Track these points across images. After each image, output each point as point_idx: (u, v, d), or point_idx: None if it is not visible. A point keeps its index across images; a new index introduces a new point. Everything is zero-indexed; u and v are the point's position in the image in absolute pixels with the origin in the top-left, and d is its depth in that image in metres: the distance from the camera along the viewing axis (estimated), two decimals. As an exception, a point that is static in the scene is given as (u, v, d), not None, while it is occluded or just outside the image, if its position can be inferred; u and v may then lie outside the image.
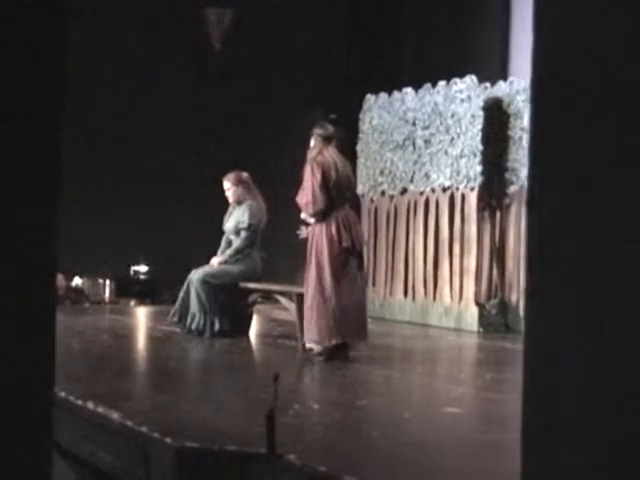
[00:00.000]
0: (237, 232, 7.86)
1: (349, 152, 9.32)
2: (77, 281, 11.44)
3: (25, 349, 1.73)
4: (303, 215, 6.53)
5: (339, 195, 6.46)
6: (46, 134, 1.76)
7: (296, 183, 6.66)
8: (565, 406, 1.21)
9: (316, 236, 6.41)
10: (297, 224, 6.81)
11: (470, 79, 9.20)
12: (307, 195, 6.36)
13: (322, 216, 6.37)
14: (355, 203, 6.87)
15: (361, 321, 6.42)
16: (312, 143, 6.58)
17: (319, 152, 6.49)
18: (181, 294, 7.81)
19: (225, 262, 7.82)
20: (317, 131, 6.60)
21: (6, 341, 1.72)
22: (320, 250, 6.35)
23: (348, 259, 6.38)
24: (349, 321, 6.31)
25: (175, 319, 7.71)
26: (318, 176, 6.34)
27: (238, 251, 7.81)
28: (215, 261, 7.87)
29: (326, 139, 6.54)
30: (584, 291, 1.19)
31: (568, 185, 1.21)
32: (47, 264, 1.77)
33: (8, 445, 1.71)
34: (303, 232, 6.59)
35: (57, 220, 1.76)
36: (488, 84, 9.22)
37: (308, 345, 6.42)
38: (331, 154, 6.49)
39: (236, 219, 7.88)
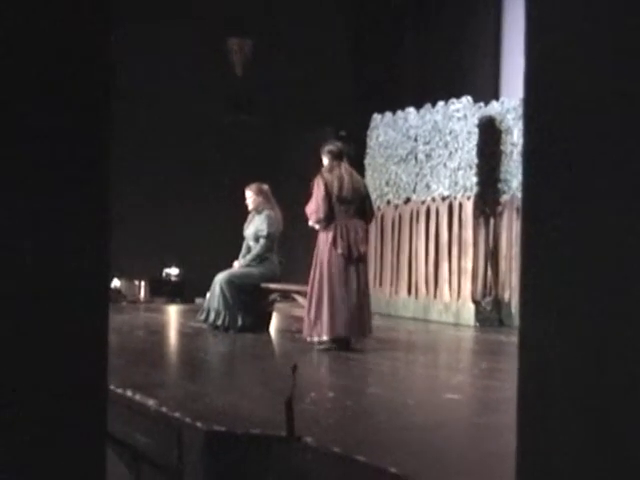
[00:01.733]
0: (256, 239, 7.87)
1: (358, 166, 9.35)
2: (115, 282, 11.47)
3: (81, 346, 1.75)
4: (310, 222, 6.57)
5: (343, 206, 6.46)
6: (99, 145, 1.76)
7: (308, 194, 6.68)
8: (556, 391, 1.22)
9: (320, 242, 6.49)
10: (310, 231, 6.84)
11: (466, 99, 9.20)
12: (312, 206, 6.44)
13: (325, 224, 6.41)
14: (363, 211, 6.82)
15: (361, 319, 6.43)
16: (325, 160, 6.60)
17: (330, 168, 6.52)
18: (208, 294, 7.84)
19: (247, 265, 7.82)
20: (327, 148, 6.61)
21: (66, 338, 1.73)
22: (321, 255, 6.42)
23: (345, 264, 6.38)
24: (347, 319, 6.32)
25: (203, 317, 7.72)
26: (321, 189, 6.40)
27: (257, 256, 7.82)
28: (237, 265, 7.88)
29: (336, 155, 6.56)
30: (570, 286, 1.19)
31: (558, 192, 1.22)
32: (103, 268, 1.78)
33: (67, 434, 1.72)
34: (310, 223, 6.62)
35: (111, 228, 1.78)
36: (482, 104, 9.21)
37: (308, 339, 6.45)
38: (341, 170, 6.51)
39: (255, 227, 7.88)
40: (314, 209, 6.41)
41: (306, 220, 6.70)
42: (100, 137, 1.73)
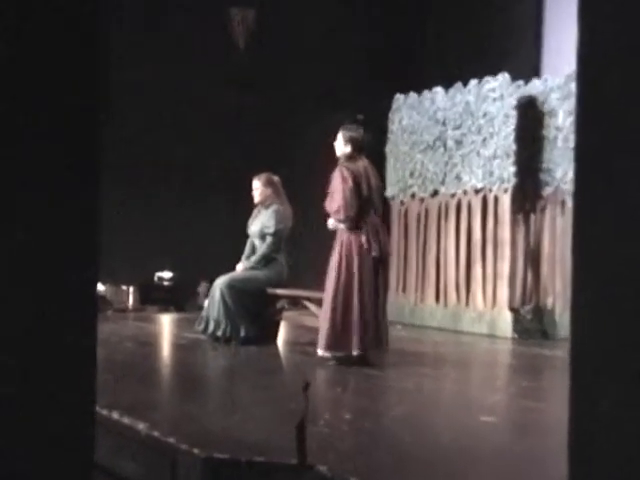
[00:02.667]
0: (262, 237, 7.87)
1: (377, 154, 9.33)
2: (100, 288, 11.50)
3: (65, 361, 1.77)
4: (331, 222, 6.54)
5: (369, 203, 6.49)
6: (87, 141, 1.84)
7: (322, 186, 6.66)
8: (615, 414, 1.19)
9: (345, 244, 6.43)
10: (323, 229, 6.83)
11: (502, 77, 9.16)
12: (338, 201, 6.38)
13: (352, 223, 6.39)
14: (382, 209, 6.85)
15: (382, 330, 6.44)
16: (342, 144, 6.58)
17: (350, 157, 6.51)
18: (207, 301, 7.84)
19: (252, 268, 7.82)
20: (350, 134, 6.59)
21: (47, 352, 1.75)
22: (350, 259, 6.38)
23: (378, 269, 6.42)
24: (370, 332, 6.34)
25: (201, 327, 7.73)
26: (349, 182, 6.37)
27: (264, 257, 7.83)
28: (241, 267, 7.88)
29: (359, 146, 6.55)
30: (634, 294, 1.17)
31: (615, 183, 1.20)
32: (91, 273, 1.82)
33: (48, 464, 1.73)
34: (331, 223, 6.59)
35: (99, 233, 1.82)
36: (521, 82, 9.17)
37: (320, 353, 6.44)
38: (363, 160, 6.52)
39: (261, 223, 7.88)
40: (342, 205, 6.37)
41: (320, 217, 6.69)
42: (89, 136, 1.82)
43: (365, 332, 6.33)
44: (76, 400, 1.77)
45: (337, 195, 6.41)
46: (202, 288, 11.85)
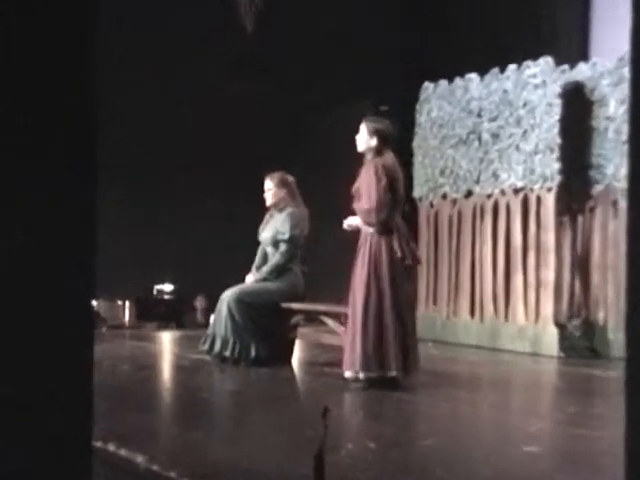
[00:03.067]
0: (275, 244, 7.88)
1: (403, 150, 9.32)
2: (92, 302, 11.52)
3: (59, 386, 1.85)
4: (348, 223, 6.54)
5: (398, 204, 6.50)
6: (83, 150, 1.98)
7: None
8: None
9: (374, 249, 6.41)
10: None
11: (545, 62, 9.14)
12: (369, 201, 6.37)
13: (384, 227, 6.38)
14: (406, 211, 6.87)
15: (413, 348, 6.43)
16: (367, 137, 6.56)
17: (377, 151, 6.50)
18: (213, 317, 7.86)
19: (263, 279, 7.84)
20: (376, 125, 6.58)
21: (40, 375, 1.81)
22: (380, 267, 6.36)
23: (409, 278, 6.43)
24: (401, 350, 6.32)
25: (206, 346, 7.74)
26: (384, 180, 6.36)
27: (277, 267, 7.83)
28: (251, 279, 7.90)
29: (386, 139, 6.55)
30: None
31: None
32: (87, 287, 1.92)
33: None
34: (350, 222, 6.57)
35: (96, 247, 1.93)
36: (566, 66, 9.15)
37: (347, 375, 6.43)
38: (391, 155, 6.52)
39: (274, 229, 7.89)
40: (374, 206, 6.36)
41: (339, 221, 6.69)
42: (87, 137, 1.99)
43: (404, 350, 6.33)
44: (71, 430, 1.83)
45: (369, 194, 6.38)
46: (200, 302, 11.87)
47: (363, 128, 6.61)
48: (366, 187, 6.41)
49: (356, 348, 6.37)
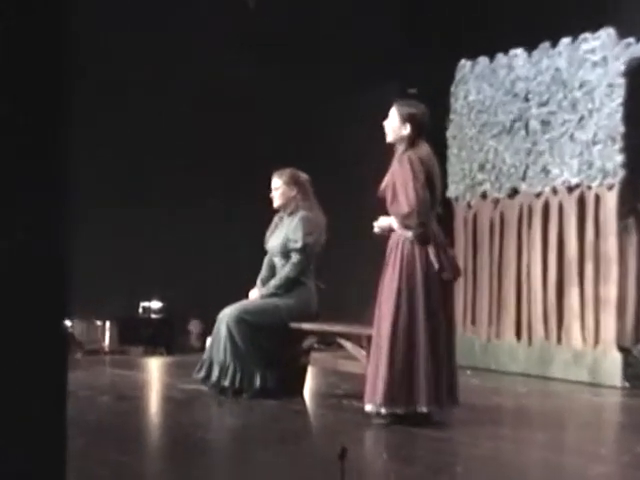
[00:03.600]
0: (285, 253, 7.87)
1: (436, 141, 9.28)
2: (66, 323, 11.53)
3: (27, 421, 1.85)
4: (398, 227, 6.44)
5: (435, 205, 6.47)
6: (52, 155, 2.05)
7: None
8: None
9: (406, 258, 6.36)
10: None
11: (606, 34, 9.12)
12: (407, 202, 6.31)
13: (424, 233, 6.33)
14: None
15: (450, 378, 6.40)
16: (398, 125, 6.51)
17: (411, 142, 6.46)
18: (210, 339, 7.84)
19: (270, 295, 7.83)
20: (409, 110, 6.53)
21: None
22: (413, 280, 6.32)
23: (448, 295, 6.40)
24: (435, 380, 6.29)
25: (202, 374, 7.73)
26: (421, 176, 6.32)
27: (288, 280, 7.82)
28: (255, 295, 7.88)
29: (422, 127, 6.51)
30: None
31: None
32: (59, 307, 1.92)
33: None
34: (382, 224, 6.52)
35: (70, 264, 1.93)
36: (631, 40, 9.11)
37: (368, 408, 6.40)
38: (427, 147, 6.49)
39: (284, 236, 7.88)
40: (414, 207, 6.31)
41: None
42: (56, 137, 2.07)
43: (438, 381, 6.29)
44: (41, 473, 1.84)
45: (406, 193, 6.33)
46: (194, 326, 11.88)
47: (394, 113, 6.56)
48: (401, 184, 6.36)
49: (380, 377, 6.33)
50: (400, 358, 6.31)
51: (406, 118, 6.49)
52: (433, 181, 6.43)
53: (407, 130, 6.48)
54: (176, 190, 11.75)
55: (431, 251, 6.35)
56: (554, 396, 8.50)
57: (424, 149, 6.48)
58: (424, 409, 6.31)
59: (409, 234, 6.37)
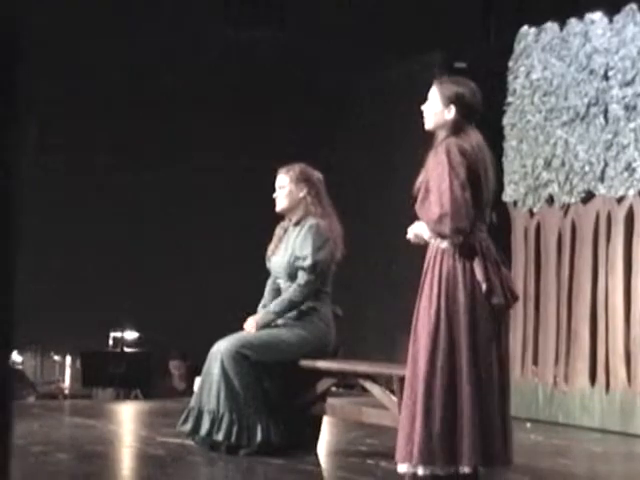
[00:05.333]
0: (292, 274, 7.86)
1: (490, 130, 9.27)
2: (15, 358, 11.54)
3: None
4: (429, 236, 6.43)
5: (483, 210, 6.42)
6: None
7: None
8: None
9: (445, 277, 6.34)
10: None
11: None
12: (441, 202, 6.30)
13: (464, 242, 6.31)
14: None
15: (500, 431, 6.37)
16: (440, 107, 6.52)
17: (457, 129, 6.45)
18: (198, 380, 7.82)
19: (272, 323, 7.82)
20: (455, 89, 6.53)
21: None
22: (454, 304, 6.30)
23: (498, 325, 6.35)
24: (493, 437, 6.27)
25: (188, 426, 7.72)
26: (461, 172, 6.29)
27: (292, 304, 7.81)
28: (254, 323, 7.87)
29: (471, 110, 6.50)
30: None
31: None
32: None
33: None
34: (418, 230, 6.49)
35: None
36: None
37: (401, 469, 6.40)
38: (479, 139, 6.45)
39: (291, 252, 7.87)
40: (449, 209, 6.26)
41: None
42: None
43: (485, 437, 6.25)
44: None
45: (440, 192, 6.32)
46: (176, 367, 11.89)
47: (434, 93, 6.55)
48: (436, 181, 6.33)
49: (415, 430, 6.31)
50: (439, 406, 6.29)
51: (450, 99, 6.47)
52: (479, 178, 6.38)
53: (451, 114, 6.46)
54: (155, 195, 11.80)
55: (477, 267, 6.31)
56: (639, 459, 8.46)
57: (472, 138, 6.44)
58: (467, 469, 6.27)
59: (444, 244, 6.35)
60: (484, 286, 6.28)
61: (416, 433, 6.32)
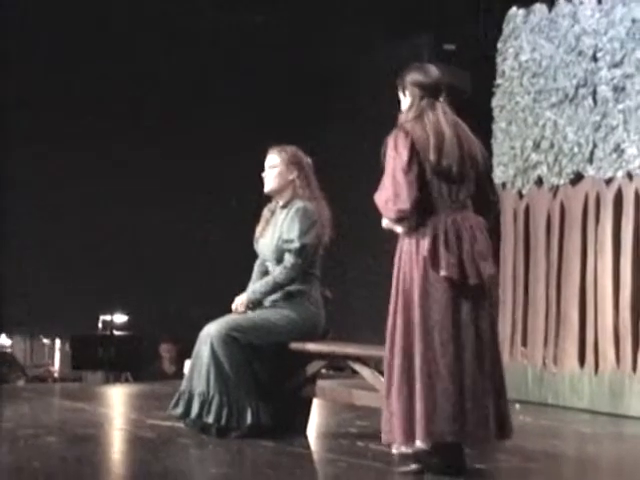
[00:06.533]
0: (279, 256, 7.84)
1: (478, 112, 9.25)
2: (3, 341, 11.53)
3: None
4: (385, 222, 6.51)
5: (445, 187, 6.43)
6: None
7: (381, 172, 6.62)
8: None
9: (403, 258, 6.42)
10: (383, 241, 6.79)
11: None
12: (386, 186, 6.38)
13: (413, 223, 6.35)
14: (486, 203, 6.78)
15: (486, 409, 6.38)
16: (407, 99, 6.61)
17: (417, 115, 6.51)
18: (188, 363, 7.81)
19: (259, 304, 7.83)
20: (413, 77, 6.61)
21: None
22: (408, 282, 6.34)
23: (455, 301, 6.34)
24: (453, 408, 6.28)
25: (179, 409, 7.71)
26: (404, 154, 6.35)
27: (277, 286, 7.80)
28: (242, 302, 7.86)
29: (430, 91, 6.56)
30: None
31: None
32: None
33: None
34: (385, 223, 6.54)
35: None
36: None
37: (392, 448, 6.45)
38: (439, 117, 6.49)
39: (279, 233, 7.86)
40: (390, 194, 6.37)
41: (376, 219, 6.65)
42: None
43: (433, 410, 6.25)
44: None
45: (385, 176, 6.41)
46: (166, 350, 11.87)
47: (399, 89, 6.69)
48: (385, 166, 6.43)
49: (386, 408, 6.41)
50: (396, 384, 6.34)
51: (405, 87, 6.64)
52: (426, 159, 6.39)
53: (407, 99, 6.59)
54: (143, 177, 11.79)
55: (425, 241, 6.34)
56: (628, 440, 8.50)
57: (428, 122, 6.48)
58: (420, 443, 6.27)
59: (399, 228, 6.42)
60: (430, 258, 6.32)
61: (389, 415, 6.40)
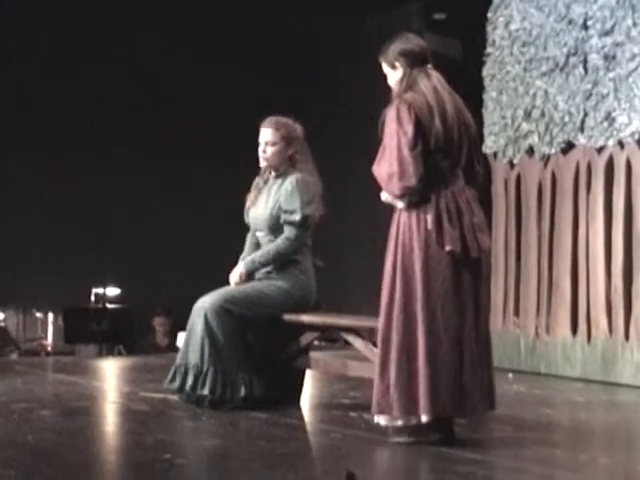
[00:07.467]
0: (274, 227, 7.83)
1: (469, 82, 9.24)
2: (-5, 316, 11.53)
3: None
4: (385, 196, 6.51)
5: (446, 159, 6.42)
6: None
7: (374, 143, 6.61)
8: None
9: (402, 232, 6.41)
10: (375, 211, 6.78)
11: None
12: (391, 161, 6.35)
13: (416, 198, 6.35)
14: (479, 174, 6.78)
15: (479, 380, 6.40)
16: (395, 71, 6.60)
17: (409, 86, 6.50)
18: (182, 336, 7.83)
19: (254, 275, 7.82)
20: (399, 47, 6.60)
21: None
22: (408, 256, 6.34)
23: (457, 274, 6.35)
24: (455, 381, 6.30)
25: (176, 383, 7.73)
26: (409, 128, 6.33)
27: (280, 257, 7.80)
28: (240, 273, 7.86)
29: (419, 58, 6.55)
30: None
31: None
32: None
33: None
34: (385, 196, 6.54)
35: None
36: None
37: (377, 420, 6.52)
38: (435, 86, 6.48)
39: (274, 204, 7.85)
40: (395, 170, 6.34)
41: (368, 190, 6.65)
42: None
43: (437, 384, 6.28)
44: None
45: (390, 151, 6.37)
46: (160, 324, 11.87)
47: (383, 65, 6.68)
48: (387, 140, 6.40)
49: (375, 382, 6.47)
50: (395, 357, 6.35)
51: (394, 59, 6.61)
52: (431, 130, 6.38)
53: (398, 71, 6.56)
54: (134, 152, 11.78)
55: (429, 215, 6.34)
56: (620, 408, 8.54)
57: (423, 91, 6.47)
58: (425, 417, 6.30)
59: (400, 204, 6.41)
60: (434, 233, 6.32)
61: (375, 384, 6.41)
